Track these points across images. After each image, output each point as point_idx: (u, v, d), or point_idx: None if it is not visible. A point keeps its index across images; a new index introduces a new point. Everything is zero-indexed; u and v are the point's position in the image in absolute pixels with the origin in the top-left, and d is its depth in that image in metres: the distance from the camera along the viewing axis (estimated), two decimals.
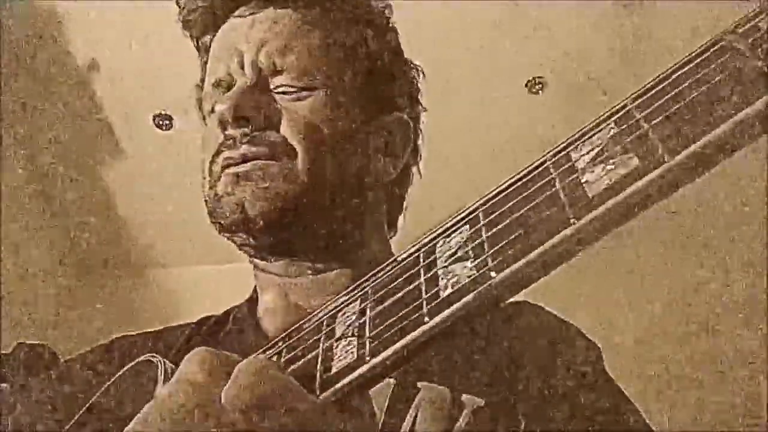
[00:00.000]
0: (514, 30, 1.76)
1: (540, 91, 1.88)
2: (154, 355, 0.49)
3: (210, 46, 0.64)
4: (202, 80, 0.65)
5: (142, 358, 0.49)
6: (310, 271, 0.59)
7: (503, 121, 1.95)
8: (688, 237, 2.03)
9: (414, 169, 0.69)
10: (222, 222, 0.57)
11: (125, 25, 1.79)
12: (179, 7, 0.64)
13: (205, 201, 0.59)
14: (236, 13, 0.61)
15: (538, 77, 1.86)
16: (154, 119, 2.05)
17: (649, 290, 2.08)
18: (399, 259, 0.30)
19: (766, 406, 1.78)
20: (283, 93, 0.58)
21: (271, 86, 0.58)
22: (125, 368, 0.50)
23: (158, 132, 2.07)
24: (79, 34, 1.87)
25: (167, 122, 2.05)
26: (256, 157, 0.55)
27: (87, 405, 0.51)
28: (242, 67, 0.58)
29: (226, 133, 0.56)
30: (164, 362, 0.47)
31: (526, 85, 1.89)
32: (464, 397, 0.48)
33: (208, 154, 0.59)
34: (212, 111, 0.60)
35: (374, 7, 0.64)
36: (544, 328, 0.57)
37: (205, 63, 0.64)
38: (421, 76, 0.68)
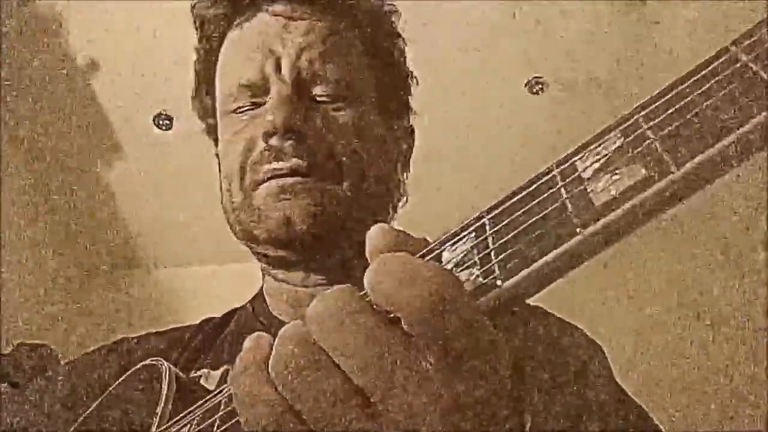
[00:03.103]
0: (514, 30, 1.76)
1: (540, 91, 1.88)
2: (158, 358, 0.49)
3: (216, 38, 0.61)
4: (204, 73, 0.63)
5: (146, 362, 0.49)
6: (326, 283, 0.58)
7: (503, 121, 1.95)
8: (687, 236, 2.04)
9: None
10: (261, 235, 0.55)
11: (125, 25, 1.78)
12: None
13: (232, 208, 0.57)
14: (269, 10, 0.58)
15: (538, 77, 1.86)
16: (154, 119, 2.05)
17: (649, 291, 2.08)
18: None
19: (766, 405, 1.78)
20: (323, 103, 0.56)
21: (311, 94, 0.56)
22: (129, 372, 0.50)
23: (158, 132, 2.07)
24: (79, 34, 1.86)
25: (167, 122, 2.05)
26: (303, 171, 0.54)
27: (91, 407, 0.51)
28: (279, 72, 0.56)
29: (271, 143, 0.54)
30: (168, 366, 0.47)
31: (526, 85, 1.89)
32: None
33: (236, 160, 0.56)
34: (236, 111, 0.58)
35: (391, 15, 0.64)
36: (548, 329, 0.57)
37: (209, 55, 0.62)
38: (415, 81, 0.68)
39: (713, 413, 1.87)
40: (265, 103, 0.56)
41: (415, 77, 0.68)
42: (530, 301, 0.55)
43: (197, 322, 0.67)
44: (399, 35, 0.65)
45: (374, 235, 0.28)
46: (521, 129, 1.91)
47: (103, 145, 2.13)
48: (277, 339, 0.28)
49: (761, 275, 1.83)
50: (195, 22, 0.62)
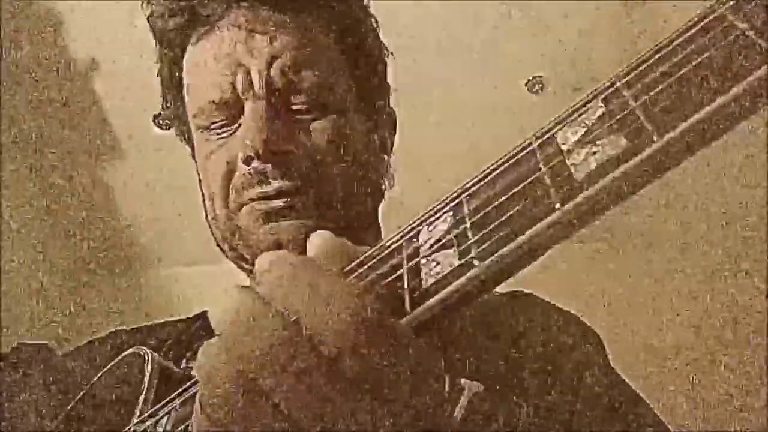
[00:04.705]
0: (514, 30, 1.76)
1: (540, 91, 1.88)
2: (141, 347, 0.48)
3: (179, 48, 0.58)
4: (172, 85, 0.60)
5: (129, 350, 0.49)
6: None
7: (503, 121, 1.94)
8: (688, 237, 2.02)
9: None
10: (249, 256, 0.54)
11: (125, 25, 1.78)
12: (148, 3, 0.58)
13: (216, 227, 0.56)
14: (228, 19, 0.54)
15: (538, 77, 1.86)
16: (154, 119, 2.05)
17: (650, 292, 2.07)
18: (382, 247, 0.29)
19: (766, 405, 1.77)
20: (300, 113, 0.53)
21: (288, 106, 0.53)
22: (114, 361, 0.50)
23: (158, 132, 2.07)
24: (79, 34, 1.87)
25: (167, 122, 2.05)
26: (289, 192, 0.52)
27: (78, 396, 0.51)
28: (251, 86, 0.53)
29: (253, 166, 0.52)
30: (151, 354, 0.47)
31: (526, 85, 1.88)
32: (463, 381, 0.47)
33: (218, 181, 0.54)
34: (209, 128, 0.56)
35: (363, 3, 0.61)
36: (545, 316, 0.56)
37: (172, 64, 0.59)
38: (391, 56, 0.64)
39: (713, 412, 1.85)
40: (239, 118, 0.54)
41: (389, 51, 0.64)
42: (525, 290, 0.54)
43: (189, 316, 0.67)
44: (368, 15, 0.62)
45: (315, 243, 0.29)
46: (521, 129, 1.90)
47: (103, 145, 2.13)
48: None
49: (762, 274, 1.81)
50: (153, 34, 0.59)
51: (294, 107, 0.53)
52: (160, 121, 2.06)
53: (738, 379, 1.88)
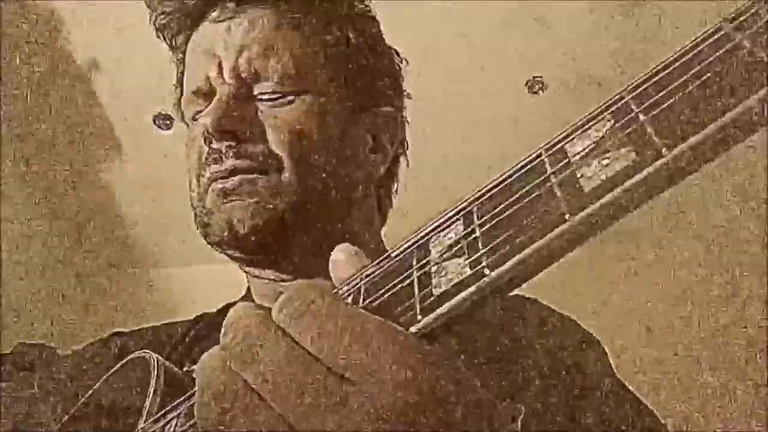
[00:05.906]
0: (515, 30, 1.76)
1: (540, 91, 1.88)
2: (147, 351, 0.49)
3: (184, 46, 0.62)
4: (179, 81, 0.64)
5: (135, 354, 0.49)
6: (303, 276, 0.58)
7: (503, 121, 1.94)
8: (688, 237, 2.03)
9: (402, 159, 0.68)
10: (212, 238, 0.56)
11: (125, 25, 1.78)
12: (150, 9, 0.62)
13: (194, 212, 0.58)
14: (211, 16, 0.59)
15: (538, 77, 1.86)
16: (154, 119, 2.05)
17: (649, 291, 2.07)
18: (392, 255, 0.29)
19: (766, 405, 1.77)
20: (267, 100, 0.56)
21: (254, 93, 0.56)
22: (119, 364, 0.51)
23: (158, 132, 2.07)
24: (79, 34, 1.87)
25: (167, 122, 2.05)
26: (243, 170, 0.54)
27: (82, 400, 0.51)
28: (221, 74, 0.56)
29: (212, 146, 0.55)
30: (157, 358, 0.47)
31: (526, 85, 1.88)
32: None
33: (194, 165, 0.58)
34: (194, 118, 0.59)
35: (353, 1, 0.63)
36: (545, 321, 0.56)
37: (181, 63, 0.63)
38: (404, 63, 0.67)
39: (713, 412, 1.85)
40: None
41: (403, 58, 0.66)
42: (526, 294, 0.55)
43: (192, 317, 0.67)
44: (367, 18, 0.63)
45: (338, 260, 0.29)
46: (521, 129, 1.91)
47: (103, 145, 2.13)
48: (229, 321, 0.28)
49: (762, 274, 1.82)
50: (157, 34, 0.64)
51: (263, 95, 0.56)
52: (160, 121, 2.06)
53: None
